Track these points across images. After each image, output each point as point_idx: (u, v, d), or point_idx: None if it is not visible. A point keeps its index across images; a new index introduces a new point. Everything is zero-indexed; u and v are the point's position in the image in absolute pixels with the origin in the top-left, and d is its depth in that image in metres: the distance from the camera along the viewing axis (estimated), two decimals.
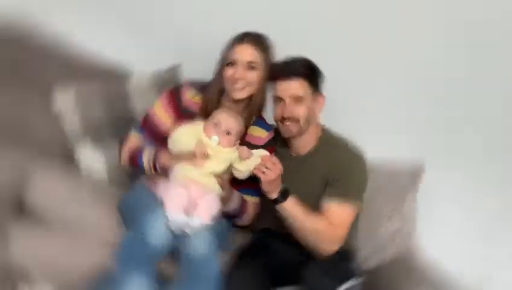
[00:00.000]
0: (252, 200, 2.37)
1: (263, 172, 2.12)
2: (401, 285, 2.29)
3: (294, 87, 2.25)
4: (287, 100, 2.25)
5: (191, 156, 2.14)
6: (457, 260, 2.64)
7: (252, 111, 2.36)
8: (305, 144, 2.34)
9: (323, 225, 2.18)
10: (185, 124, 2.22)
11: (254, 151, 2.22)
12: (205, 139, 2.18)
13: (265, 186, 2.14)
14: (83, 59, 2.93)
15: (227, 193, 2.25)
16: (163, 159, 2.23)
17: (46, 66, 2.83)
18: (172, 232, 2.05)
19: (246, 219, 2.39)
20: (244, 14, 2.63)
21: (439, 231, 2.78)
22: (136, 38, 3.02)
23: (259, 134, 2.41)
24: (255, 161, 2.16)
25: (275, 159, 2.14)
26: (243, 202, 2.35)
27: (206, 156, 2.14)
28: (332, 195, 2.22)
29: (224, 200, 2.24)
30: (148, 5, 3.02)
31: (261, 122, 2.42)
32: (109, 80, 2.81)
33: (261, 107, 2.38)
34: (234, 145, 2.22)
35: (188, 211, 2.07)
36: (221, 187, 2.21)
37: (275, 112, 2.31)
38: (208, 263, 2.07)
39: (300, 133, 2.30)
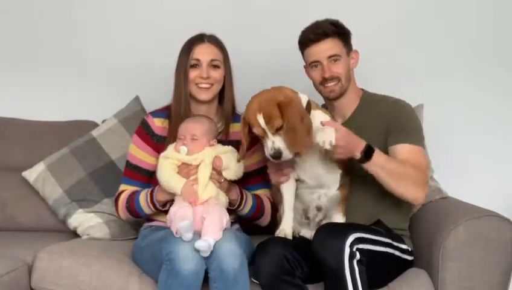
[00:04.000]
0: (266, 193, 2.37)
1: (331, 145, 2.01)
2: (438, 227, 2.20)
3: (328, 47, 2.25)
4: (325, 62, 2.25)
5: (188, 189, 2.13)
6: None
7: (226, 110, 2.36)
8: (348, 103, 2.33)
9: (412, 169, 2.14)
10: (160, 163, 2.21)
11: (224, 148, 2.24)
12: (177, 155, 2.18)
13: (345, 155, 2.06)
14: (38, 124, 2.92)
15: (233, 192, 2.23)
16: (160, 195, 2.22)
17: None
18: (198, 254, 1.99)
19: (266, 218, 2.36)
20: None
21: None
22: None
23: (240, 128, 2.34)
24: (231, 156, 2.20)
25: (332, 122, 2.07)
26: (258, 202, 2.33)
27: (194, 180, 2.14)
28: (400, 140, 2.21)
29: (234, 201, 2.24)
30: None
31: (238, 117, 2.38)
32: (71, 136, 2.78)
33: (233, 104, 2.39)
34: (210, 145, 2.21)
35: (198, 232, 2.04)
36: (223, 189, 2.19)
37: (313, 77, 2.30)
38: (238, 278, 1.99)
39: (343, 91, 2.29)
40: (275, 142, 2.00)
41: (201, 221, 2.07)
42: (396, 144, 2.20)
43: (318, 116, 2.10)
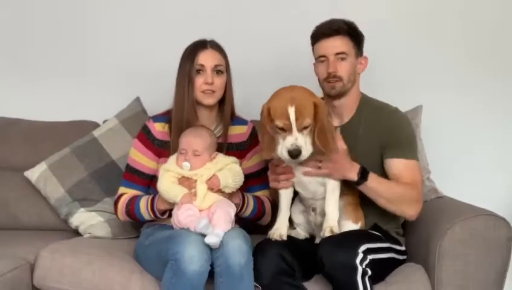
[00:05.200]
0: (265, 194, 2.40)
1: (319, 167, 2.08)
2: (434, 226, 2.24)
3: (338, 44, 2.25)
4: (331, 58, 2.25)
5: (186, 198, 2.16)
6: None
7: (225, 114, 2.38)
8: (348, 106, 2.32)
9: (404, 189, 2.19)
10: (160, 175, 2.23)
11: (226, 159, 2.24)
12: (178, 169, 2.20)
13: (335, 177, 2.10)
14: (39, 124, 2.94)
15: (235, 197, 2.26)
16: (160, 204, 2.25)
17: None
18: (206, 251, 2.01)
19: (267, 218, 2.40)
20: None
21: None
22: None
23: (239, 131, 2.42)
24: (229, 171, 2.20)
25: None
26: (259, 204, 2.36)
27: (193, 193, 2.16)
28: (396, 155, 2.24)
29: (236, 205, 2.25)
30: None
31: (237, 120, 2.44)
32: (72, 136, 2.80)
33: (232, 108, 2.41)
34: (211, 159, 2.22)
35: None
36: (224, 197, 2.22)
37: (319, 72, 2.31)
38: (244, 275, 2.02)
39: (344, 91, 2.28)
40: (298, 139, 1.96)
41: (207, 214, 2.11)
42: (392, 158, 2.23)
43: None
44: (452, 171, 2.84)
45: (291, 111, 1.94)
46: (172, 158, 2.24)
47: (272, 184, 2.20)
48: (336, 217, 2.09)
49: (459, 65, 2.96)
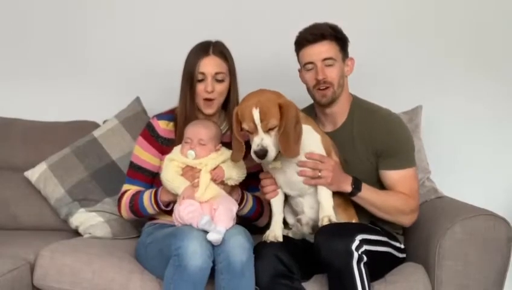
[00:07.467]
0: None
1: (319, 177, 2.08)
2: (434, 226, 2.24)
3: (324, 49, 2.22)
4: (319, 64, 2.23)
5: (188, 191, 2.16)
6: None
7: (231, 112, 2.33)
8: (340, 111, 2.31)
9: (400, 200, 2.20)
10: (164, 164, 2.24)
11: (230, 152, 2.20)
12: (183, 158, 2.21)
13: (332, 187, 2.10)
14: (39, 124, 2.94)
15: (235, 193, 2.27)
16: (164, 196, 2.25)
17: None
18: (208, 247, 2.01)
19: (265, 218, 2.41)
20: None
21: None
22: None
23: None
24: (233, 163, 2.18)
25: (318, 155, 2.08)
26: (258, 203, 2.38)
27: (196, 184, 2.17)
28: (392, 166, 2.24)
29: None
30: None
31: None
32: (72, 137, 2.80)
33: None
34: (216, 150, 2.24)
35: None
36: (226, 191, 2.23)
37: (307, 80, 2.28)
38: (245, 271, 2.02)
39: (335, 98, 2.26)
40: (263, 140, 1.99)
41: (209, 211, 2.12)
42: (388, 169, 2.24)
43: (305, 132, 2.08)
44: (452, 171, 2.84)
45: (256, 113, 1.99)
46: (177, 148, 2.26)
47: (261, 196, 2.26)
48: (331, 205, 2.09)
49: (459, 65, 2.96)
